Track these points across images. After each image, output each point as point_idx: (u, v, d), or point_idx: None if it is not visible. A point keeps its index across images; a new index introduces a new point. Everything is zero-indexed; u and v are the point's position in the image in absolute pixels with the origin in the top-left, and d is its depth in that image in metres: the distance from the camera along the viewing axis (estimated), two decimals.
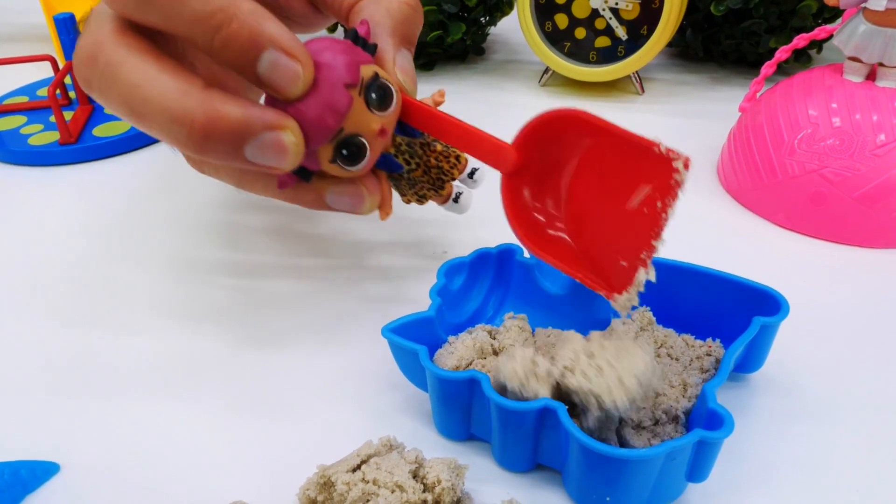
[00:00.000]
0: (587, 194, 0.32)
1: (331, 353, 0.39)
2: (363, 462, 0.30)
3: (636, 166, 0.29)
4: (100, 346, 0.40)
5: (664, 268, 0.36)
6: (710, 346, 0.34)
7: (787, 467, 0.32)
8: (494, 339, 0.35)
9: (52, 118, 0.65)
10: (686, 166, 0.28)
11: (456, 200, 0.41)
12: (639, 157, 0.29)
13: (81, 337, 0.40)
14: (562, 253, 0.32)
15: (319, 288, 0.44)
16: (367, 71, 0.30)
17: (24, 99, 0.70)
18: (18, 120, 0.66)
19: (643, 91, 0.70)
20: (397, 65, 0.33)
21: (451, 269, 0.36)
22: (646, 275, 0.29)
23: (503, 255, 0.38)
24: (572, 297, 0.37)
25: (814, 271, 0.44)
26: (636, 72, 0.69)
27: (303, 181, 0.31)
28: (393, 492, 0.28)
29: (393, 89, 0.31)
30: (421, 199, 0.39)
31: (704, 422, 0.28)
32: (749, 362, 0.34)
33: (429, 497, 0.29)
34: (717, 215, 0.51)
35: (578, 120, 0.30)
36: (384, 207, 0.34)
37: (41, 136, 0.62)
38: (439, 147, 0.38)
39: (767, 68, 0.53)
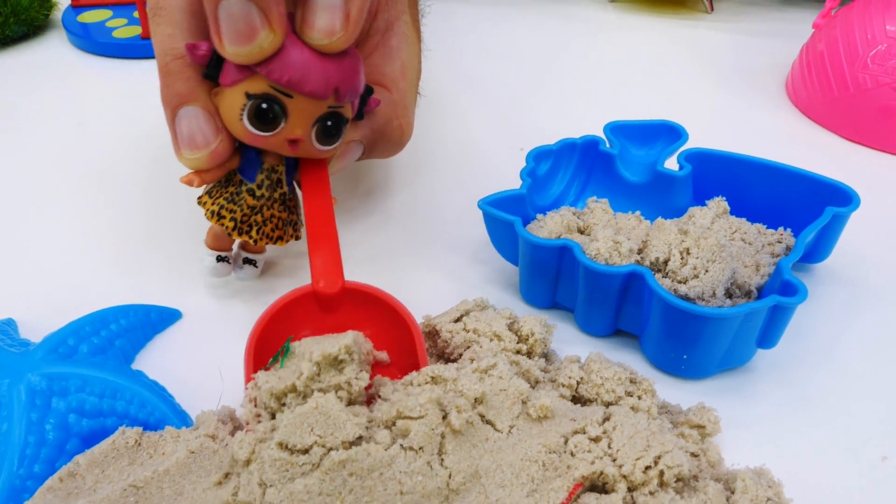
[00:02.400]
0: None
1: (424, 226, 0.42)
2: (463, 315, 0.33)
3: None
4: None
5: (739, 162, 0.38)
6: (781, 234, 0.37)
7: (847, 347, 0.35)
8: (580, 218, 0.37)
9: (136, 13, 0.68)
10: None
11: (250, 262, 0.37)
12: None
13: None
14: None
15: (416, 171, 0.47)
16: (348, 110, 0.31)
17: None
18: (104, 14, 0.68)
19: (712, 10, 0.71)
20: (348, 148, 0.34)
21: (539, 156, 0.39)
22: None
23: (587, 146, 0.40)
24: (650, 185, 0.39)
25: (879, 182, 0.46)
26: None
27: (206, 71, 0.29)
28: (492, 340, 0.31)
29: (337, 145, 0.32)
30: (213, 214, 0.33)
31: (779, 291, 0.31)
32: (817, 251, 0.37)
33: (523, 347, 0.32)
34: (786, 128, 0.52)
35: (385, 304, 0.31)
36: (206, 176, 0.31)
37: (125, 29, 0.65)
38: (284, 215, 0.34)
39: None
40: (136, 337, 0.35)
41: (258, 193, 0.32)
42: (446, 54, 0.57)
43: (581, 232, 0.37)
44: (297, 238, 0.35)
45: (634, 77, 0.60)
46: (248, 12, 0.26)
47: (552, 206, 0.40)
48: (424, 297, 0.36)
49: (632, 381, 0.30)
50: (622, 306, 0.33)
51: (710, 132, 0.50)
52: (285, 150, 0.31)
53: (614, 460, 0.26)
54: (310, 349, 0.28)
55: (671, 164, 0.39)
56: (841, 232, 0.36)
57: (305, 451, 0.25)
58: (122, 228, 0.42)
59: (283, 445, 0.25)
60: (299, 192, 0.35)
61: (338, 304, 0.32)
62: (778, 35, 0.66)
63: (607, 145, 0.40)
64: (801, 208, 0.37)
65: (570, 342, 0.35)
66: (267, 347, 0.30)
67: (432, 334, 0.32)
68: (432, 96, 0.54)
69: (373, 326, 0.32)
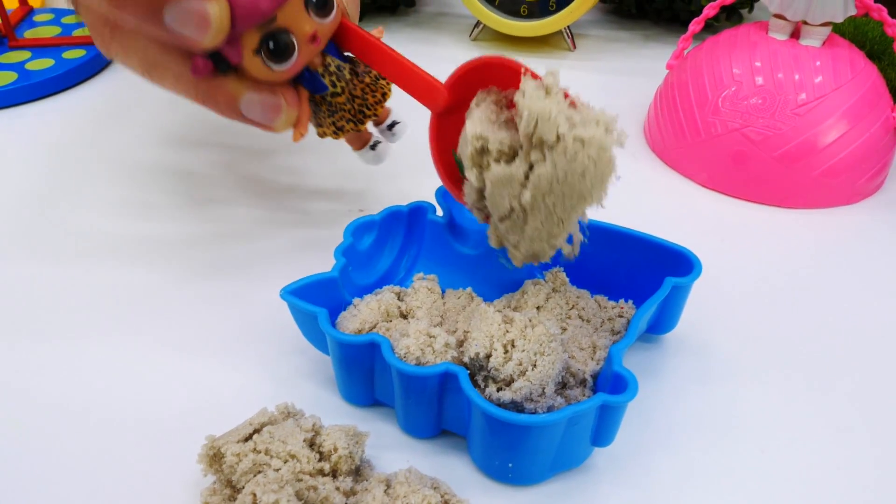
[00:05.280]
0: None
1: (230, 315, 0.37)
2: (256, 431, 0.28)
3: None
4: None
5: (580, 228, 0.35)
6: (622, 308, 0.34)
7: (695, 429, 0.32)
8: (402, 301, 0.33)
9: None
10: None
11: (373, 148, 0.39)
12: None
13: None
14: None
15: (223, 239, 0.42)
16: None
17: None
18: None
19: (575, 47, 0.69)
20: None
21: (359, 228, 0.35)
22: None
23: (415, 214, 0.37)
24: (485, 257, 0.36)
25: (733, 231, 0.44)
26: (568, 27, 0.67)
27: (219, 73, 0.30)
28: (286, 461, 0.27)
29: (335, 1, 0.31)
30: (337, 133, 0.37)
31: (609, 385, 0.28)
32: (662, 323, 0.34)
33: (325, 466, 0.27)
34: (641, 174, 0.50)
35: (508, 67, 0.30)
36: (300, 126, 0.33)
37: None
38: (367, 79, 0.36)
39: (695, 25, 0.52)
40: None
41: (339, 91, 0.34)
42: None
43: (404, 317, 0.33)
44: (385, 92, 0.37)
45: None
46: (187, 9, 0.26)
47: (378, 283, 0.36)
48: (222, 402, 0.32)
49: None
50: (442, 407, 0.29)
51: None
52: (315, 51, 0.32)
53: None
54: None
55: None
56: (685, 300, 0.33)
57: None
58: None
59: None
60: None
61: (455, 102, 0.32)
62: (638, 74, 0.64)
63: (438, 212, 0.37)
64: (643, 276, 0.34)
65: (389, 447, 0.30)
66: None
67: (217, 458, 0.28)
68: (262, 151, 0.50)
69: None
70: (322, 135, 0.37)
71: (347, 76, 0.34)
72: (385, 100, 0.37)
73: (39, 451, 0.30)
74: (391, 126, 0.39)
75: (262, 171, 0.48)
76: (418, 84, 0.32)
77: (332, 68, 0.34)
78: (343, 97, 0.35)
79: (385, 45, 0.32)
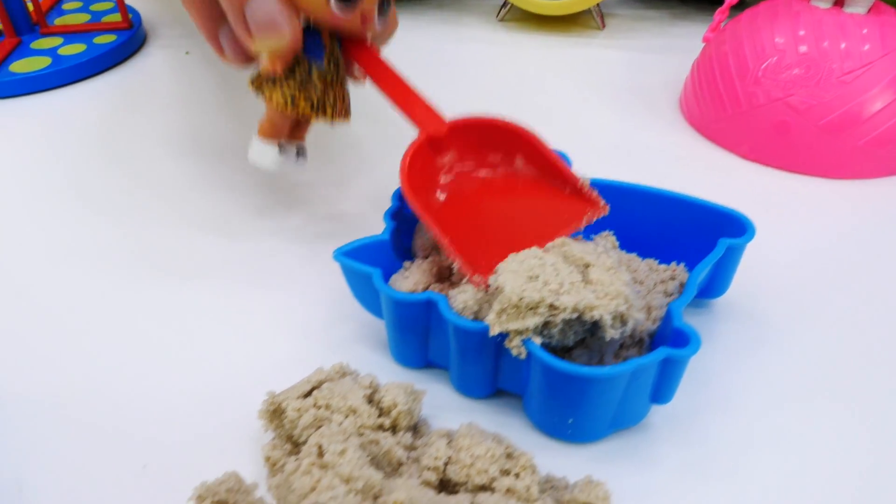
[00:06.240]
0: (491, 194, 0.33)
1: (279, 286, 0.37)
2: (314, 388, 0.28)
3: (554, 193, 0.32)
4: (32, 281, 0.37)
5: (629, 193, 0.34)
6: (674, 270, 0.33)
7: (750, 392, 0.31)
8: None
9: None
10: (604, 212, 0.31)
11: (299, 152, 0.37)
12: (560, 185, 0.32)
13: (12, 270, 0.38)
14: (439, 220, 0.31)
15: (270, 219, 0.42)
16: None
17: None
18: None
19: (604, 26, 0.69)
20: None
21: None
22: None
23: None
24: None
25: (776, 202, 0.44)
26: (597, 5, 0.67)
27: None
28: (347, 416, 0.27)
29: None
30: (287, 103, 0.33)
31: (670, 340, 0.27)
32: (713, 286, 0.34)
33: (385, 421, 0.27)
34: (679, 148, 0.49)
35: (525, 139, 0.33)
36: (279, 59, 0.31)
37: None
38: (343, 92, 0.35)
39: None
40: None
41: (328, 75, 0.33)
42: None
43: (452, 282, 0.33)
44: (348, 111, 0.35)
45: (524, 98, 0.56)
46: None
47: None
48: (275, 365, 0.32)
49: (508, 457, 0.26)
50: (499, 365, 0.29)
51: (602, 155, 0.47)
52: (356, 25, 0.32)
53: None
54: None
55: None
56: (738, 263, 0.33)
57: None
58: None
59: None
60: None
61: (447, 144, 0.33)
62: (670, 50, 0.63)
63: None
64: (694, 240, 0.34)
65: (445, 408, 0.30)
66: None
67: (277, 413, 0.28)
68: None
69: (485, 152, 0.34)
70: (263, 93, 0.33)
71: (339, 72, 0.34)
72: (345, 118, 0.35)
73: (114, 403, 0.31)
74: (301, 149, 0.37)
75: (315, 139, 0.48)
76: (420, 108, 0.33)
77: (333, 57, 0.33)
78: (322, 82, 0.33)
79: (392, 69, 0.34)
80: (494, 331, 0.26)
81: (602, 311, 0.26)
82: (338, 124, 0.35)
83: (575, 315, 0.26)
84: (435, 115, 0.33)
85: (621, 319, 0.26)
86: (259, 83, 0.33)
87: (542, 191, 0.33)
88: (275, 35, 0.30)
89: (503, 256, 0.28)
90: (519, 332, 0.26)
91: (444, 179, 0.33)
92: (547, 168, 0.32)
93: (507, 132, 0.33)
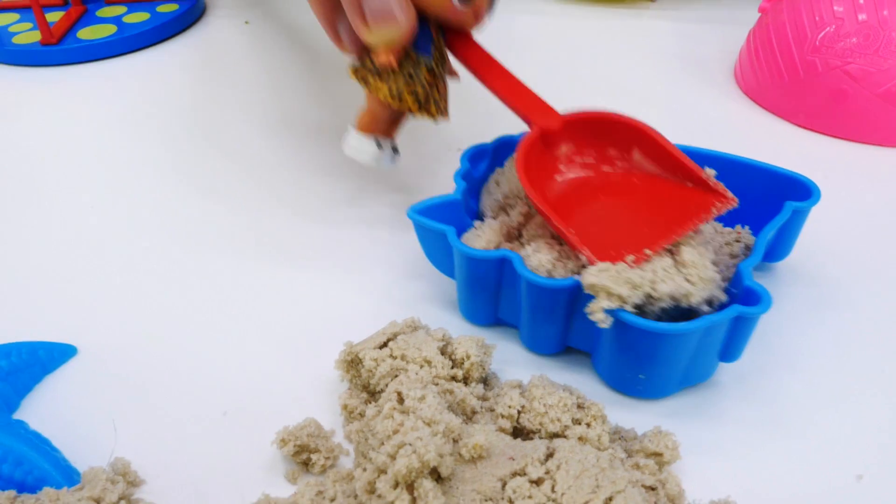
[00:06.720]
0: (612, 187, 0.32)
1: (347, 238, 0.38)
2: (389, 339, 0.29)
3: (676, 186, 0.31)
4: (111, 238, 0.39)
5: (694, 156, 0.35)
6: (739, 232, 0.34)
7: (814, 352, 0.32)
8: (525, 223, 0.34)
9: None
10: (733, 204, 0.29)
11: (395, 150, 0.37)
12: (683, 178, 0.31)
13: (90, 228, 0.39)
14: (559, 212, 0.30)
15: (337, 176, 0.43)
16: None
17: None
18: (11, 17, 0.63)
19: None
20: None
21: (475, 155, 0.35)
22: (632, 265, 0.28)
23: None
24: None
25: (834, 170, 0.43)
26: None
27: None
28: (422, 366, 0.28)
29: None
30: (394, 96, 0.32)
31: (741, 299, 0.28)
32: (777, 250, 0.34)
33: (458, 372, 0.28)
34: (736, 117, 0.49)
35: (644, 133, 0.32)
36: (392, 50, 0.31)
37: (27, 35, 0.60)
38: (444, 90, 0.34)
39: None
40: (20, 380, 0.30)
41: (435, 69, 0.32)
42: None
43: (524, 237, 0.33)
44: (446, 110, 0.34)
45: (578, 69, 0.56)
46: None
47: None
48: (348, 321, 0.33)
49: (579, 407, 0.27)
50: (570, 322, 0.30)
51: (657, 123, 0.47)
52: (469, 18, 0.32)
53: None
54: None
55: None
56: (801, 227, 0.33)
57: None
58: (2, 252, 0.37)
59: None
60: None
61: (560, 138, 0.33)
62: (724, 22, 0.63)
63: None
64: (758, 203, 0.34)
65: (514, 363, 0.31)
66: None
67: (354, 363, 0.29)
68: None
69: (603, 146, 0.33)
70: (371, 87, 0.32)
71: (444, 66, 0.33)
72: (445, 116, 0.34)
73: (202, 356, 0.32)
74: (395, 148, 0.37)
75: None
76: (532, 102, 0.33)
77: (439, 50, 0.33)
78: (430, 76, 0.32)
79: (500, 65, 0.34)
80: (588, 281, 0.26)
81: (697, 298, 0.27)
82: (439, 121, 0.33)
83: (672, 304, 0.27)
84: (549, 108, 0.33)
85: (710, 302, 0.28)
86: (363, 74, 0.32)
87: (664, 184, 0.32)
88: (391, 25, 0.30)
89: (629, 250, 0.28)
90: (614, 296, 0.26)
91: (563, 172, 0.33)
92: (667, 161, 0.31)
93: (624, 126, 0.32)
